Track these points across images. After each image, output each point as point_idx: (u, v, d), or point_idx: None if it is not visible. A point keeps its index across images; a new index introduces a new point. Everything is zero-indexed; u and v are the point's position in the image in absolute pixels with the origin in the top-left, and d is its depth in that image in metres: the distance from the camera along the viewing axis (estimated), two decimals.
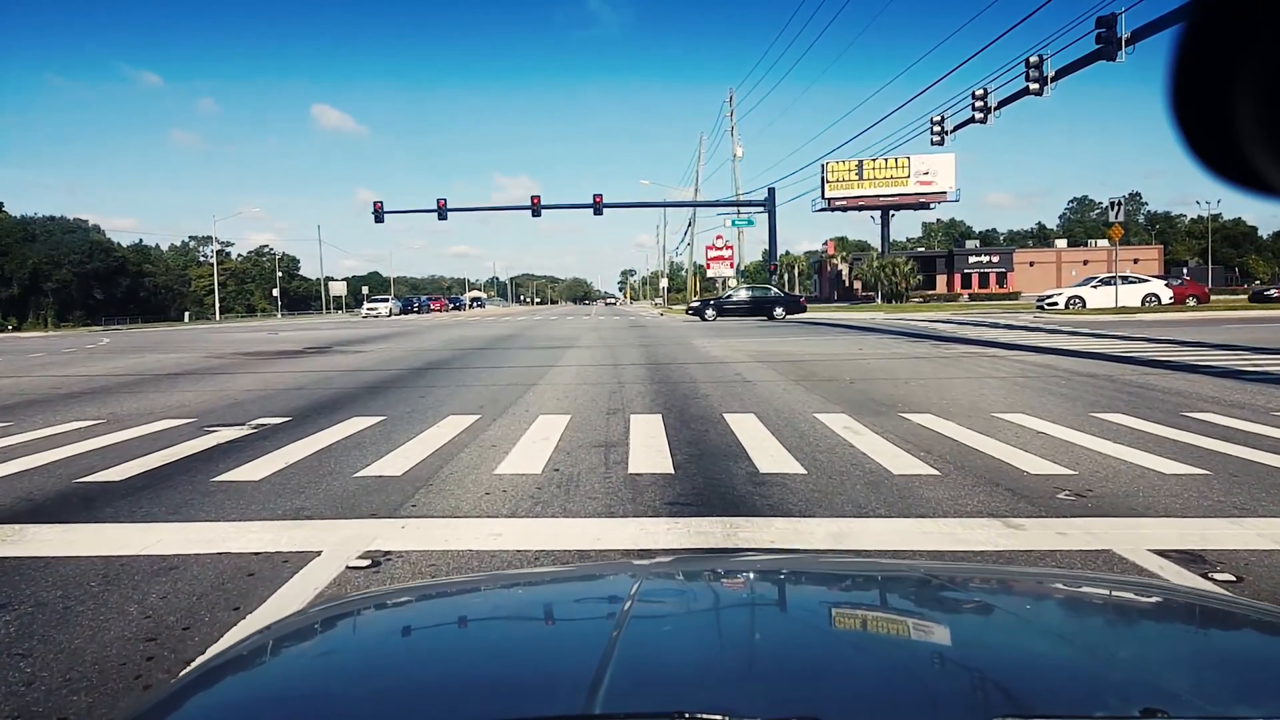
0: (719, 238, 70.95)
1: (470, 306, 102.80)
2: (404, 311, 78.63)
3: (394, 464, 6.27)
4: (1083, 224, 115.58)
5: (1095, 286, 32.14)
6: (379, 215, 46.21)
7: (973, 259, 79.79)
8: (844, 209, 70.56)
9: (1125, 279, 31.89)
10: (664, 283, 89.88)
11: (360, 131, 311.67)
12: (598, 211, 45.74)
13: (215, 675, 1.08)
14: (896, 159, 67.45)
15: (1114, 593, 1.41)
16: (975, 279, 79.23)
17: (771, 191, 45.99)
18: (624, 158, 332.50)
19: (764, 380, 11.74)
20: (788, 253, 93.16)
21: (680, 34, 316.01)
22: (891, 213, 70.80)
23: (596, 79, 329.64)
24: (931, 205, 71.26)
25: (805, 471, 5.90)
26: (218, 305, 79.05)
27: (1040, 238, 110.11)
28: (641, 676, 0.92)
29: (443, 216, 45.95)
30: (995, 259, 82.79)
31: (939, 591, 1.37)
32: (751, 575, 1.50)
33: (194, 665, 1.30)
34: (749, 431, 7.51)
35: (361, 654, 1.14)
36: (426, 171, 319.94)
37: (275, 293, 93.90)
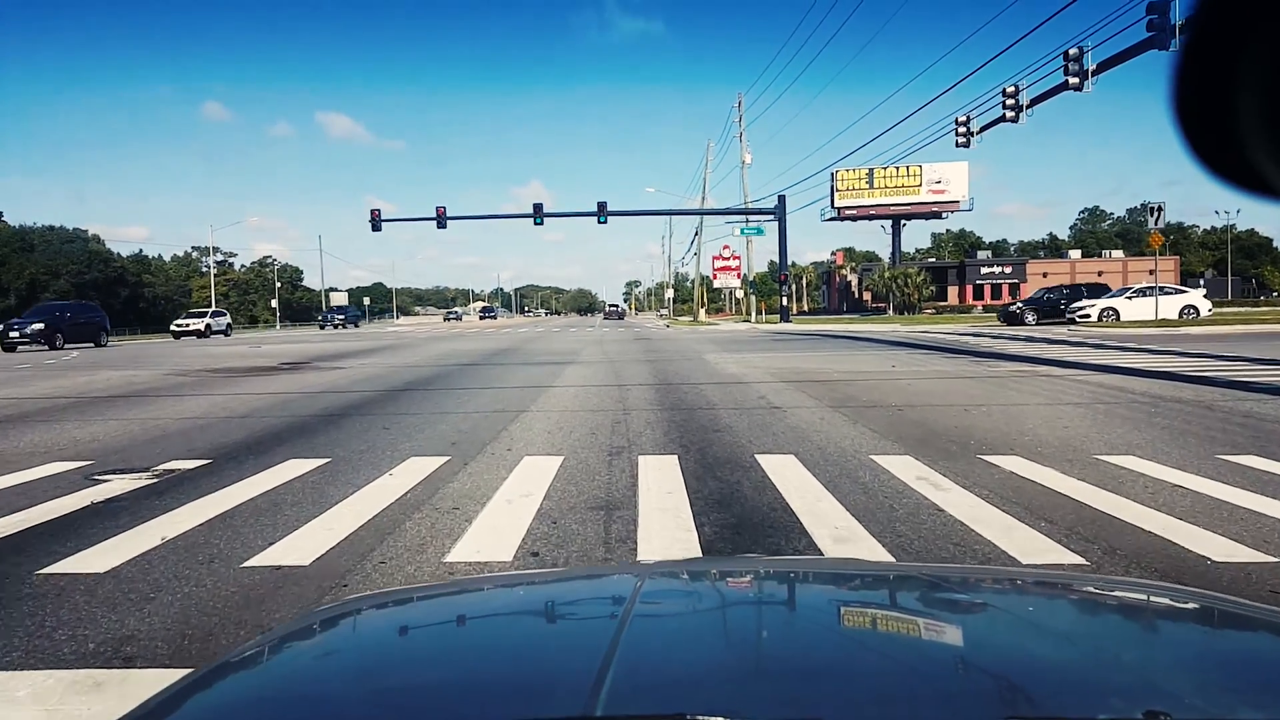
0: (726, 247, 69.34)
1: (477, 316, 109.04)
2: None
3: (308, 543, 4.47)
4: (1094, 235, 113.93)
5: (1130, 298, 30.18)
6: (376, 223, 44.57)
7: (985, 270, 77.95)
8: (854, 218, 68.85)
9: (1162, 290, 30.02)
10: (669, 293, 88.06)
11: (371, 142, 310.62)
12: (602, 219, 44.08)
13: (216, 676, 1.04)
14: (908, 167, 65.82)
15: (1117, 594, 1.40)
16: (988, 290, 77.18)
17: (782, 199, 44.21)
18: (634, 167, 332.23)
19: (796, 406, 9.95)
20: (794, 264, 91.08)
21: (693, 42, 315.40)
22: (903, 222, 69.13)
23: (608, 89, 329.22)
24: (944, 215, 69.54)
25: (892, 559, 4.10)
26: None
27: (1052, 249, 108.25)
28: (643, 678, 0.91)
29: (442, 225, 44.31)
30: (1008, 270, 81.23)
31: (943, 594, 1.35)
32: (754, 578, 1.49)
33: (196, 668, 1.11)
34: (794, 483, 5.72)
35: (363, 655, 1.12)
36: (437, 181, 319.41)
37: (274, 304, 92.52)
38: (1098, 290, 37.39)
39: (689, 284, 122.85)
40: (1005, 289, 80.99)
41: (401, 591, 1.48)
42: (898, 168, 65.28)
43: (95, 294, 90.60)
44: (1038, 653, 1.03)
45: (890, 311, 64.72)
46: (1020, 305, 38.45)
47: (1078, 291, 37.44)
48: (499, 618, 1.29)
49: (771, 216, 44.42)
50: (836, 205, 66.92)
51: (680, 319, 76.21)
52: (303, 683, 1.03)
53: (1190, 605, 1.33)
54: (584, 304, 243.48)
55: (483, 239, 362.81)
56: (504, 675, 0.95)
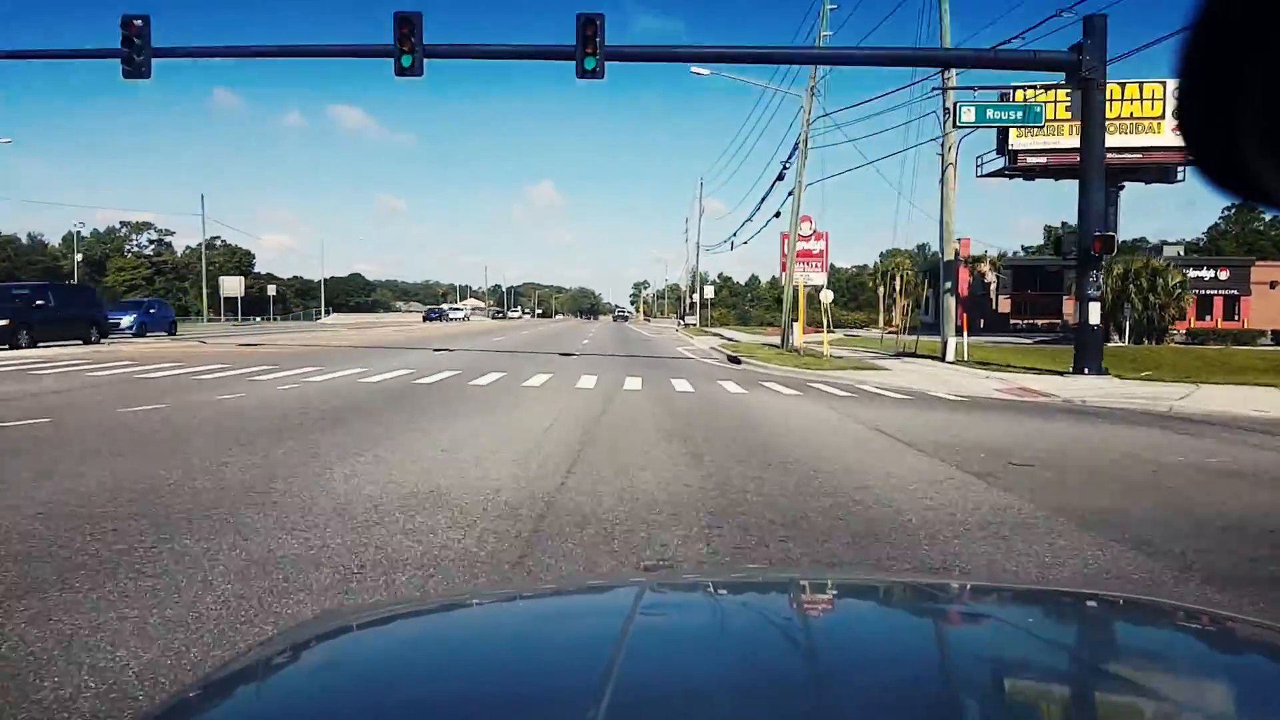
0: (807, 220, 40.25)
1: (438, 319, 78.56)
2: None
3: None
4: (1265, 236, 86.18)
5: None
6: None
7: (1191, 274, 48.31)
8: (1036, 173, 40.27)
9: None
10: (702, 293, 58.83)
11: (381, 136, 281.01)
12: (590, 64, 15.66)
13: (209, 693, 1.02)
14: (1141, 85, 37.53)
15: (1118, 608, 1.39)
16: (1192, 304, 47.13)
17: (1097, 25, 15.74)
18: (648, 177, 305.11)
19: None
20: (835, 265, 59.49)
21: (712, 36, 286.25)
22: (1122, 184, 40.44)
23: (625, 86, 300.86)
24: (1180, 174, 40.68)
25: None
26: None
27: (1213, 250, 79.57)
28: (643, 692, 0.88)
29: (135, 64, 15.90)
30: (1223, 275, 52.85)
31: (946, 607, 1.34)
32: (755, 589, 1.47)
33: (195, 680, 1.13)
34: None
35: (360, 668, 1.07)
36: (447, 177, 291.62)
37: (141, 284, 64.70)
38: None
39: (712, 282, 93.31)
40: (1218, 303, 52.63)
41: (401, 603, 1.46)
42: (1122, 84, 36.98)
43: None
44: (1039, 665, 1.01)
45: (1123, 339, 36.34)
46: None
47: None
48: (497, 631, 1.25)
49: (1061, 72, 15.81)
50: (1011, 148, 38.44)
51: (721, 332, 47.54)
52: (301, 697, 0.98)
53: (1191, 620, 1.33)
54: (585, 304, 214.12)
55: (491, 239, 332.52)
56: (503, 689, 0.94)
